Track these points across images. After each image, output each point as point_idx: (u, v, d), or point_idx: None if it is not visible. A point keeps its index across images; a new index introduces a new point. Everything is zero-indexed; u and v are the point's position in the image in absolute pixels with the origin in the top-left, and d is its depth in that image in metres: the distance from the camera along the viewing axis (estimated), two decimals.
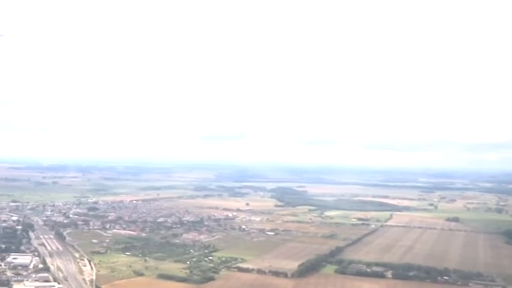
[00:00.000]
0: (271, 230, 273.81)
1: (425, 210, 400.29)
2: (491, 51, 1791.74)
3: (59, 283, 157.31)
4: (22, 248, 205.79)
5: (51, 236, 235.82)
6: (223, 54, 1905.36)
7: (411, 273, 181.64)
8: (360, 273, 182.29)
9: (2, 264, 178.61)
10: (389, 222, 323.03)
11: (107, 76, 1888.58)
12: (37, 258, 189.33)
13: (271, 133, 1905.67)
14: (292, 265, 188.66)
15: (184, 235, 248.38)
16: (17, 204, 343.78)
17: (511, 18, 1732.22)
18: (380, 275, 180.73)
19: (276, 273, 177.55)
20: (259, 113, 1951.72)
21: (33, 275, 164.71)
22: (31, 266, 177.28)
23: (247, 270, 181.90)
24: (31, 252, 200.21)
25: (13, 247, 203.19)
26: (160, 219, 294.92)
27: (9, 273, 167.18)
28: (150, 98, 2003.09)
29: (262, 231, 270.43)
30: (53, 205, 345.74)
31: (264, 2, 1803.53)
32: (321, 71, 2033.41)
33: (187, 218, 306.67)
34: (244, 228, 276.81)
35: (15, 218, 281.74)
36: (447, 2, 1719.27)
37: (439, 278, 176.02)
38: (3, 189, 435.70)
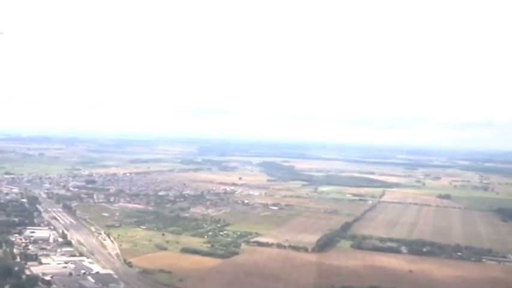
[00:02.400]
0: (274, 205, 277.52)
1: (413, 187, 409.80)
2: (471, 32, 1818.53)
3: (87, 257, 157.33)
4: (35, 221, 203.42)
5: (60, 209, 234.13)
6: (206, 28, 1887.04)
7: (425, 249, 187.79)
8: (376, 249, 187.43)
9: (22, 238, 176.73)
10: (384, 199, 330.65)
11: (85, 45, 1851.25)
12: (54, 232, 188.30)
13: (251, 108, 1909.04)
14: (309, 240, 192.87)
15: (192, 209, 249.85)
16: (12, 176, 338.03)
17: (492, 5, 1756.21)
18: (396, 250, 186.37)
19: (296, 248, 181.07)
20: (240, 88, 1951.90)
21: (58, 249, 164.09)
22: (51, 240, 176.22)
23: (267, 245, 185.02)
24: (45, 225, 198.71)
25: (26, 221, 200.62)
26: (162, 193, 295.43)
27: (31, 247, 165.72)
28: (130, 70, 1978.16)
29: (265, 205, 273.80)
30: (49, 177, 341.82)
31: None
32: (302, 47, 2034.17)
33: (187, 191, 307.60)
34: (247, 203, 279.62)
35: (16, 190, 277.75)
36: None
37: (453, 254, 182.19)
38: None
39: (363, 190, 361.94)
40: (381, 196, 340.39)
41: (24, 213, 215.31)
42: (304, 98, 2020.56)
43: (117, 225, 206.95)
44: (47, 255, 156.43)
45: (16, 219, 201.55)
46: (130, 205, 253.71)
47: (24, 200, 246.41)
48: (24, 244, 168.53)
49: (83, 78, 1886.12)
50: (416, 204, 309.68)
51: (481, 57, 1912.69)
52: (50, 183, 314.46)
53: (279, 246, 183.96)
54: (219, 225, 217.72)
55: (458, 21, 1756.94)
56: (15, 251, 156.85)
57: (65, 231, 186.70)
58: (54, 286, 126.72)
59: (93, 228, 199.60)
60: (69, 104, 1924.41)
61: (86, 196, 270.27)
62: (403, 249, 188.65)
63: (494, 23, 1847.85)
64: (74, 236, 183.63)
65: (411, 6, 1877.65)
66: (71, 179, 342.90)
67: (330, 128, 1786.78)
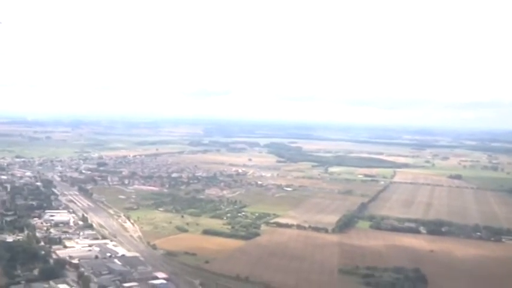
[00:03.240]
0: (287, 186, 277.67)
1: (423, 167, 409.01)
2: (473, 12, 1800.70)
3: (111, 240, 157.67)
4: (53, 205, 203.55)
5: (76, 192, 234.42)
6: (210, 12, 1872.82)
7: (443, 229, 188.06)
8: (395, 229, 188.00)
9: (42, 221, 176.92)
10: (395, 179, 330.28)
11: (88, 28, 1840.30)
12: (73, 215, 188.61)
13: (254, 90, 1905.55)
14: (328, 220, 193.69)
15: (207, 191, 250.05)
16: (23, 160, 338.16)
17: None
18: (415, 231, 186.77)
19: (316, 229, 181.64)
20: (243, 70, 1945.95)
21: (80, 233, 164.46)
22: (71, 223, 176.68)
23: (286, 226, 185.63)
24: (63, 209, 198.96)
25: (44, 204, 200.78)
26: (175, 175, 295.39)
27: (53, 231, 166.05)
28: (134, 52, 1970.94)
29: (279, 187, 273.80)
30: (60, 160, 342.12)
31: None
32: (304, 28, 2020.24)
33: (199, 173, 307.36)
34: (261, 184, 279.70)
35: (29, 174, 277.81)
36: None
37: (472, 234, 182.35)
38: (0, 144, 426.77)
39: (373, 171, 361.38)
40: (392, 177, 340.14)
41: (41, 197, 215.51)
42: (307, 79, 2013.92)
43: (135, 207, 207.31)
44: (70, 239, 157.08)
45: (34, 203, 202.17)
46: (145, 187, 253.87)
47: (39, 184, 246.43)
48: (45, 228, 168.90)
49: (86, 60, 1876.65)
50: (428, 184, 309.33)
51: (484, 36, 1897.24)
52: (61, 166, 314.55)
53: (299, 227, 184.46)
54: (236, 206, 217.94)
55: (462, 1, 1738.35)
56: (37, 234, 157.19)
57: (85, 215, 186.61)
58: (82, 269, 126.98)
59: (111, 211, 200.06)
60: (73, 87, 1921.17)
61: (99, 179, 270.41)
62: (422, 229, 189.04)
63: (498, 4, 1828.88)
64: (94, 219, 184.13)
65: None
66: (82, 161, 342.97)
67: (333, 109, 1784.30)
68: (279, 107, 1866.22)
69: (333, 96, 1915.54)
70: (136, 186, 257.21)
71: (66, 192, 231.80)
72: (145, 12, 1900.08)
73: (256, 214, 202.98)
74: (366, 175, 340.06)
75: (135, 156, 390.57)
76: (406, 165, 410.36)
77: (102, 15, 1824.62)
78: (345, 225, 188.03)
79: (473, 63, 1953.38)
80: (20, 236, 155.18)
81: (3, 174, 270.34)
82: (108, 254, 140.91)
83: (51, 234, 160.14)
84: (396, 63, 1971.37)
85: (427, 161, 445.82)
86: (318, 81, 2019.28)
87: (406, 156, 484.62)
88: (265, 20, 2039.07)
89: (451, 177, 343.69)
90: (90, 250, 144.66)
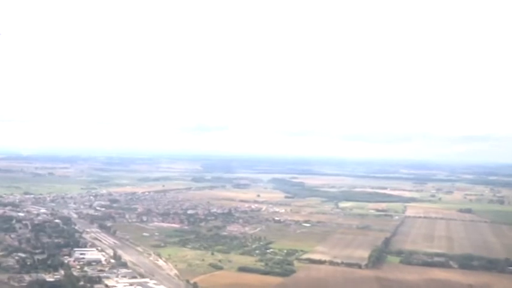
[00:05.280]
0: (305, 222, 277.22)
1: (430, 201, 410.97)
2: (468, 45, 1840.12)
3: (150, 279, 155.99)
4: (79, 242, 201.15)
5: (98, 230, 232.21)
6: (208, 47, 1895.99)
7: (475, 263, 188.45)
8: (426, 263, 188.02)
9: (73, 260, 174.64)
10: (408, 213, 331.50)
11: (83, 65, 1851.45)
12: (103, 253, 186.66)
13: (250, 125, 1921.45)
14: (358, 256, 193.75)
15: (228, 227, 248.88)
16: (33, 196, 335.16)
17: (489, 17, 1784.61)
18: (446, 265, 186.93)
19: (350, 264, 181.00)
20: (240, 105, 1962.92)
21: (116, 271, 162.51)
22: (104, 262, 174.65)
23: (319, 262, 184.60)
24: (90, 247, 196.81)
25: (71, 242, 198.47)
26: (190, 211, 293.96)
27: (88, 269, 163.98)
28: (130, 87, 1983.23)
29: (297, 223, 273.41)
30: (71, 197, 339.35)
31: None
32: (299, 65, 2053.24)
33: (214, 210, 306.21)
34: (278, 220, 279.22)
35: (44, 210, 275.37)
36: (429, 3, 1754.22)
37: (505, 268, 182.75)
38: (4, 180, 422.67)
39: (383, 205, 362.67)
40: (403, 211, 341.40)
41: (64, 234, 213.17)
42: (303, 114, 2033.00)
43: (162, 245, 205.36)
44: (108, 278, 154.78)
45: (60, 241, 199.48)
46: (165, 224, 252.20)
47: (57, 221, 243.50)
48: (78, 266, 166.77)
49: (79, 95, 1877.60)
50: (442, 218, 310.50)
51: (478, 71, 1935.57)
52: (74, 203, 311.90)
53: (332, 263, 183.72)
54: (261, 243, 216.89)
55: (455, 34, 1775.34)
56: (74, 273, 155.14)
57: (116, 252, 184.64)
58: None
59: (139, 249, 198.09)
60: (66, 122, 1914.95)
61: (117, 216, 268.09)
62: (452, 263, 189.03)
63: (492, 37, 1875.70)
64: (125, 257, 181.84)
65: (406, 21, 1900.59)
66: (93, 198, 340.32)
67: (328, 143, 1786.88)
68: (275, 142, 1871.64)
69: (327, 131, 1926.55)
70: (156, 223, 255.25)
71: (87, 230, 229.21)
72: (141, 45, 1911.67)
73: (285, 251, 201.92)
74: (377, 210, 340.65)
75: (143, 192, 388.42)
76: (413, 200, 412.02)
77: (95, 48, 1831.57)
78: (376, 260, 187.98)
79: (465, 98, 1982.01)
80: (57, 276, 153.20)
81: (19, 211, 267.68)
82: None
83: (89, 273, 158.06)
84: (390, 98, 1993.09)
85: (432, 195, 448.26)
86: (313, 117, 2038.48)
87: (410, 190, 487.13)
88: (261, 56, 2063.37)
89: (461, 211, 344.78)
90: None
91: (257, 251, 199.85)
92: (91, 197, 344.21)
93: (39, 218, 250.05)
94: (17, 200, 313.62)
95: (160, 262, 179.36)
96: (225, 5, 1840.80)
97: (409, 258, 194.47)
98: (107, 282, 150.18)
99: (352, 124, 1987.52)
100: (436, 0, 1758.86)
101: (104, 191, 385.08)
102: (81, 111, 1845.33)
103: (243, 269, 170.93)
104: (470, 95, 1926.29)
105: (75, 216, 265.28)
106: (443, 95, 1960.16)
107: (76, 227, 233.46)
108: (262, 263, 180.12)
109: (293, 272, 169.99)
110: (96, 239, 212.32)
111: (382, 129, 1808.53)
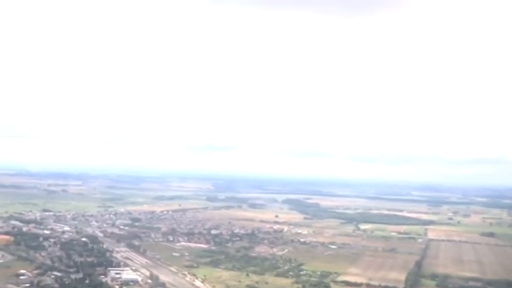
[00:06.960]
0: (330, 243, 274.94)
1: (449, 224, 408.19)
2: (480, 71, 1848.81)
3: None
4: (112, 262, 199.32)
5: (127, 249, 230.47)
6: (218, 68, 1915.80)
7: None
8: None
9: (109, 279, 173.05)
10: (430, 236, 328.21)
11: (94, 83, 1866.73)
12: (137, 272, 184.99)
13: (259, 145, 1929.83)
14: (392, 278, 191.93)
15: (257, 248, 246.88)
16: (53, 214, 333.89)
17: (501, 40, 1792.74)
18: None
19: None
20: (249, 125, 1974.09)
21: None
22: (141, 282, 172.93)
23: (356, 285, 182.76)
24: (123, 266, 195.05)
25: (104, 262, 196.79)
26: (214, 232, 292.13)
27: None
28: (138, 106, 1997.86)
29: (323, 244, 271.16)
30: (91, 215, 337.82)
31: (255, 17, 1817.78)
32: (310, 86, 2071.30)
33: (237, 230, 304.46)
34: (304, 242, 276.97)
35: (67, 228, 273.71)
36: (426, 20, 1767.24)
37: None
38: (20, 197, 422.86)
39: (403, 228, 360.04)
40: (425, 234, 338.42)
41: (95, 253, 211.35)
42: (312, 135, 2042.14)
43: (195, 265, 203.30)
44: None
45: (92, 260, 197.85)
46: (192, 244, 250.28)
47: (85, 239, 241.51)
48: (117, 286, 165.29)
49: (88, 113, 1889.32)
50: (466, 242, 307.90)
51: (489, 94, 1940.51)
52: (96, 221, 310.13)
53: (369, 286, 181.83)
54: (293, 264, 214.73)
55: (464, 56, 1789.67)
56: None
57: (152, 273, 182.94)
58: None
59: (173, 269, 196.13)
60: (73, 139, 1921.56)
61: (143, 235, 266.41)
62: None
63: (502, 58, 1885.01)
64: (161, 277, 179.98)
65: (415, 44, 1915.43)
66: (113, 216, 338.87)
67: (337, 165, 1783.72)
68: (283, 162, 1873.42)
69: (337, 152, 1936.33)
70: (183, 243, 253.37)
71: (117, 249, 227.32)
72: (152, 65, 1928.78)
73: (318, 272, 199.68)
74: (399, 232, 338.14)
75: (162, 211, 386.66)
76: (432, 223, 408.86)
77: (106, 66, 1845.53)
78: (413, 283, 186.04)
79: (474, 121, 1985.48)
80: None
81: (43, 229, 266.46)
82: None
83: None
84: (400, 120, 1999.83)
85: (450, 218, 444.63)
86: (323, 138, 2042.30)
87: (426, 213, 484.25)
88: (271, 76, 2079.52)
89: (483, 234, 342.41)
90: None
91: (291, 273, 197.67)
92: (111, 216, 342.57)
93: (65, 236, 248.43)
94: (38, 217, 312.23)
95: (197, 283, 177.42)
96: (238, 27, 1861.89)
97: (444, 282, 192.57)
98: None
99: (359, 145, 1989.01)
100: (448, 21, 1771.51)
101: (122, 210, 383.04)
102: (90, 129, 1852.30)
103: None
104: (478, 118, 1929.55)
105: (100, 234, 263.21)
106: (452, 118, 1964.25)
107: (104, 246, 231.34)
108: (300, 285, 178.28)
109: None
110: (127, 258, 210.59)
111: (391, 151, 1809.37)
